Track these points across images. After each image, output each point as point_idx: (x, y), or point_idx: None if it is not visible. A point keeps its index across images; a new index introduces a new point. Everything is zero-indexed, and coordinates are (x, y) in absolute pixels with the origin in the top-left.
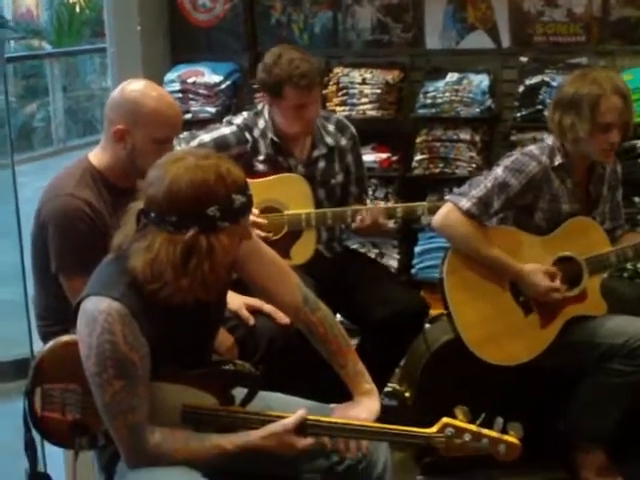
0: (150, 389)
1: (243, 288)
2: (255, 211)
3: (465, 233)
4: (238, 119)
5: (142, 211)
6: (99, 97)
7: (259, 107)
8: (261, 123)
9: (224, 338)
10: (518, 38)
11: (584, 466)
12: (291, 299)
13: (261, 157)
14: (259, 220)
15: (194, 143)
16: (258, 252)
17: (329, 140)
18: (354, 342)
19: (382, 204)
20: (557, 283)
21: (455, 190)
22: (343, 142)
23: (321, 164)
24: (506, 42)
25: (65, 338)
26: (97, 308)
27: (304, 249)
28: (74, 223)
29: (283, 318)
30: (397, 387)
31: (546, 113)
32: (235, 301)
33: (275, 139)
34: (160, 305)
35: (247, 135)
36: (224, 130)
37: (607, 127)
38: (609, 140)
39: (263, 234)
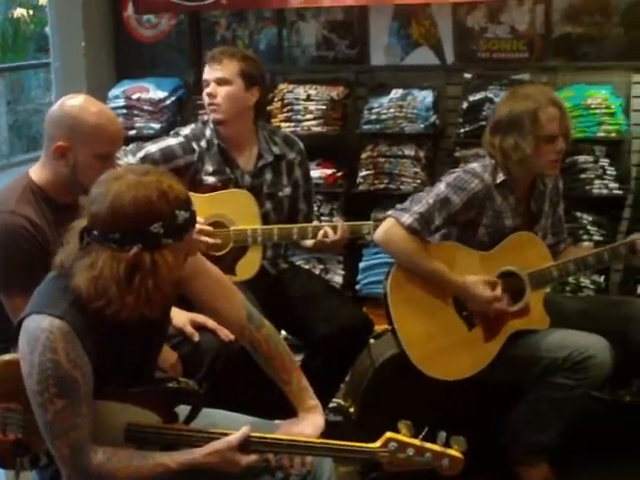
0: (93, 408)
1: (187, 304)
2: (201, 219)
3: (407, 248)
4: (185, 130)
5: (85, 229)
6: (44, 112)
7: (205, 117)
8: (207, 133)
9: (168, 355)
10: (462, 54)
11: (528, 479)
12: (235, 316)
13: (208, 168)
14: (206, 228)
15: (140, 154)
16: (203, 269)
17: (275, 149)
18: (298, 358)
19: (327, 220)
20: (498, 292)
21: (397, 205)
22: (291, 156)
23: (268, 175)
24: (450, 58)
25: (6, 357)
26: (39, 326)
27: (249, 265)
28: (15, 240)
29: (227, 335)
30: (342, 402)
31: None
32: (179, 317)
33: (222, 145)
34: (104, 322)
35: (194, 145)
36: (171, 141)
37: (551, 138)
38: (555, 150)
39: (211, 240)
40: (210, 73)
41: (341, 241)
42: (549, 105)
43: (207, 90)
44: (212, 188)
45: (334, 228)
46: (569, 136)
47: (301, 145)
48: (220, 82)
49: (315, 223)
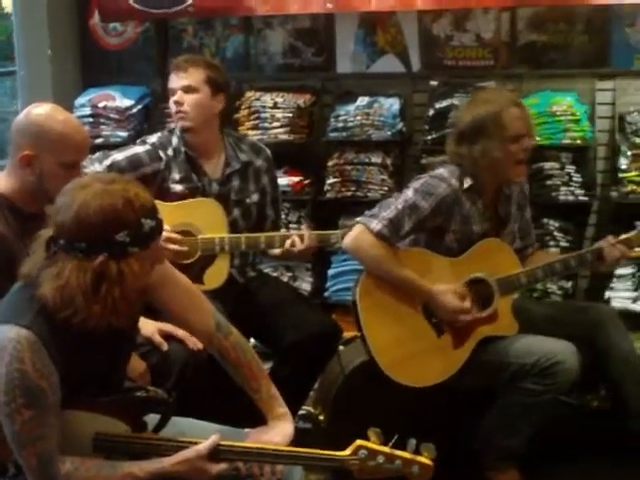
0: (61, 417)
1: (154, 313)
2: (168, 227)
3: (376, 254)
4: (152, 138)
5: (51, 238)
6: (10, 121)
7: (172, 126)
8: (174, 141)
9: (137, 364)
10: (428, 62)
11: None
12: (204, 324)
13: (175, 176)
14: (173, 235)
15: (107, 162)
16: (170, 278)
17: (243, 156)
18: (267, 366)
19: (295, 228)
20: (467, 304)
21: (366, 212)
22: (258, 163)
23: (235, 182)
24: (416, 66)
25: None
26: (5, 336)
27: (217, 274)
28: None
29: (196, 343)
30: (312, 410)
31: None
32: (148, 327)
33: (189, 152)
34: (71, 332)
35: (161, 153)
36: (137, 149)
37: (517, 137)
38: (522, 148)
39: (178, 248)
40: (176, 81)
41: (308, 250)
42: (510, 106)
43: (174, 98)
44: (179, 196)
45: (301, 237)
46: (534, 134)
47: (268, 152)
48: (187, 90)
49: (283, 232)
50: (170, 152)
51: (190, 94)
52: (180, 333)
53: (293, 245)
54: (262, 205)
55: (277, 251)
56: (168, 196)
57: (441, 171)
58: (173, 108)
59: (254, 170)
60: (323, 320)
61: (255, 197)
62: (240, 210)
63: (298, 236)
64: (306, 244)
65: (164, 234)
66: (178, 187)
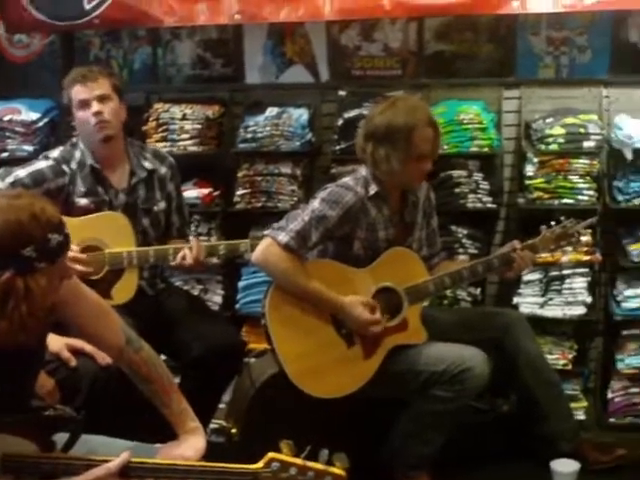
0: None
1: (61, 329)
2: (75, 247)
3: (284, 267)
4: (54, 153)
5: None
6: None
7: (74, 139)
8: (77, 154)
9: (45, 381)
10: (336, 72)
11: None
12: (113, 339)
13: (81, 189)
14: (79, 255)
15: (10, 179)
16: (79, 293)
17: (147, 164)
18: (177, 380)
19: (205, 240)
20: (377, 316)
21: (274, 225)
22: (163, 170)
23: (142, 191)
24: (325, 76)
25: None
26: None
27: (126, 289)
28: None
29: (105, 358)
30: (224, 423)
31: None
32: (55, 342)
33: (94, 165)
34: None
35: (64, 167)
36: (40, 164)
37: (421, 157)
38: (422, 169)
39: (85, 269)
40: (88, 92)
41: (198, 261)
42: (426, 126)
43: (94, 109)
44: (85, 210)
45: (191, 249)
46: (436, 158)
47: (171, 159)
48: (102, 99)
49: (192, 241)
50: (74, 166)
51: (106, 103)
52: (89, 348)
53: (184, 258)
54: (168, 212)
55: (173, 263)
56: (74, 210)
57: (346, 180)
58: (91, 120)
59: (159, 178)
60: (227, 334)
61: (162, 205)
62: (149, 219)
63: (188, 248)
64: (194, 254)
65: (69, 254)
66: (83, 201)
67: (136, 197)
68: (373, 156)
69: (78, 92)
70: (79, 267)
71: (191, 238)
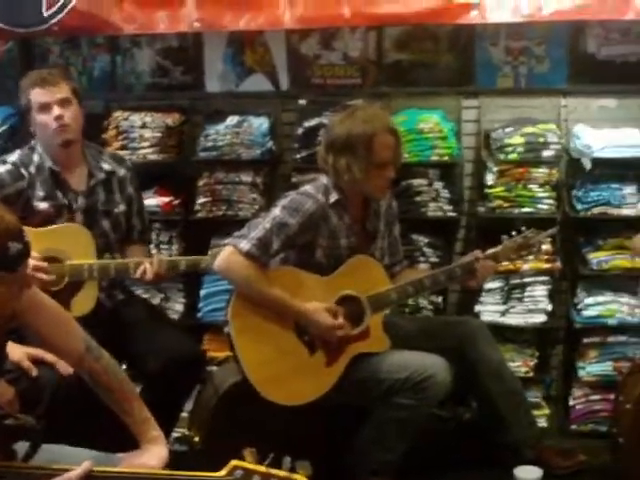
0: None
1: (21, 338)
2: (35, 254)
3: (246, 275)
4: (12, 157)
5: None
6: None
7: (32, 143)
8: (36, 158)
9: (4, 390)
10: (296, 81)
11: None
12: (73, 348)
13: (39, 194)
14: (41, 264)
15: None
16: (38, 301)
17: (105, 166)
18: (138, 389)
19: (166, 248)
20: (340, 320)
21: (235, 233)
22: (122, 172)
23: (101, 194)
24: (285, 85)
25: None
26: None
27: (85, 301)
28: None
29: (66, 367)
30: (186, 432)
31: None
32: (16, 351)
33: (54, 167)
34: None
35: (23, 171)
36: None
37: (382, 165)
38: (385, 177)
39: (46, 277)
40: (49, 95)
41: (158, 276)
42: (386, 133)
43: (56, 113)
44: (45, 214)
45: (152, 263)
46: (399, 165)
47: (129, 162)
48: (63, 103)
49: (155, 255)
50: (32, 169)
51: (67, 107)
52: (49, 357)
53: (145, 272)
54: (129, 215)
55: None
56: (33, 215)
57: (307, 187)
58: (53, 124)
59: (118, 180)
60: (184, 346)
61: (122, 207)
62: (109, 221)
63: (149, 262)
64: (154, 269)
65: (31, 262)
66: (42, 205)
67: (96, 200)
68: (335, 166)
69: (38, 95)
70: (40, 276)
71: (153, 252)
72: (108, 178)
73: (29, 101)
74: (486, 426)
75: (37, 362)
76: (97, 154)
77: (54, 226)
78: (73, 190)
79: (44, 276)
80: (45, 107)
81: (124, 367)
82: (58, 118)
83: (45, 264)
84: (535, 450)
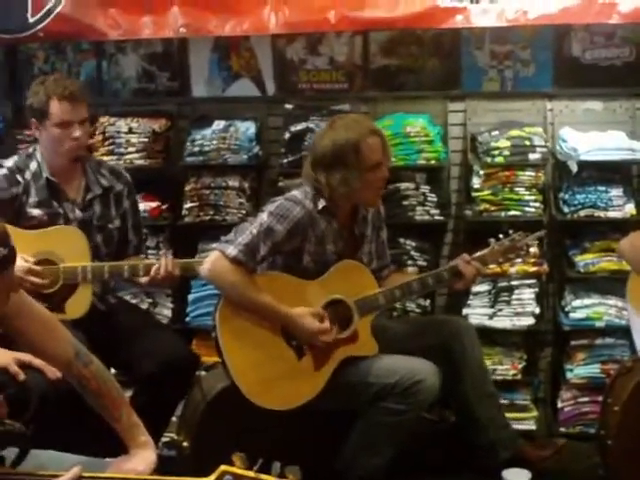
0: None
1: (7, 343)
2: (30, 259)
3: (233, 280)
4: (8, 162)
5: None
6: None
7: (30, 150)
8: (33, 165)
9: None
10: (283, 86)
11: None
12: (62, 353)
13: (34, 200)
14: (34, 267)
15: None
16: (26, 306)
17: (104, 181)
18: (128, 394)
19: (154, 254)
20: (326, 324)
21: (222, 238)
22: (119, 187)
23: (97, 208)
24: (271, 90)
25: None
26: None
27: (79, 303)
28: None
29: (54, 372)
30: (175, 437)
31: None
32: (3, 356)
33: (51, 178)
34: None
35: (18, 177)
36: None
37: (375, 166)
38: (380, 176)
39: (39, 281)
40: (73, 114)
41: (170, 277)
42: (370, 135)
43: (75, 134)
44: (38, 221)
45: (165, 264)
46: (389, 164)
47: (128, 176)
48: (83, 122)
49: (147, 260)
50: (28, 176)
51: (84, 126)
52: (38, 362)
53: (158, 273)
54: (124, 230)
55: (144, 279)
56: (26, 221)
57: (295, 193)
58: (69, 143)
59: (115, 195)
60: (178, 349)
61: (117, 222)
62: (102, 236)
63: (164, 261)
64: (168, 270)
65: (25, 265)
66: (36, 211)
67: (91, 213)
68: (329, 183)
69: (63, 111)
70: (34, 279)
71: (162, 252)
72: (105, 193)
73: (46, 111)
74: (462, 427)
75: (25, 367)
76: (97, 167)
77: (49, 228)
78: (70, 200)
79: (37, 280)
80: (66, 125)
81: (113, 372)
82: (77, 139)
83: (38, 268)
84: (512, 450)
